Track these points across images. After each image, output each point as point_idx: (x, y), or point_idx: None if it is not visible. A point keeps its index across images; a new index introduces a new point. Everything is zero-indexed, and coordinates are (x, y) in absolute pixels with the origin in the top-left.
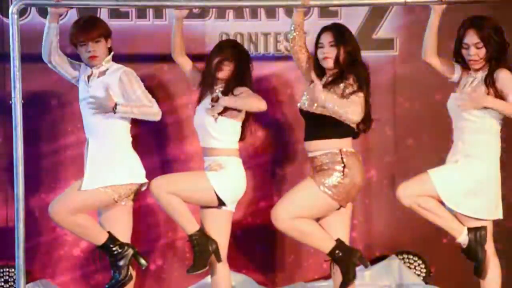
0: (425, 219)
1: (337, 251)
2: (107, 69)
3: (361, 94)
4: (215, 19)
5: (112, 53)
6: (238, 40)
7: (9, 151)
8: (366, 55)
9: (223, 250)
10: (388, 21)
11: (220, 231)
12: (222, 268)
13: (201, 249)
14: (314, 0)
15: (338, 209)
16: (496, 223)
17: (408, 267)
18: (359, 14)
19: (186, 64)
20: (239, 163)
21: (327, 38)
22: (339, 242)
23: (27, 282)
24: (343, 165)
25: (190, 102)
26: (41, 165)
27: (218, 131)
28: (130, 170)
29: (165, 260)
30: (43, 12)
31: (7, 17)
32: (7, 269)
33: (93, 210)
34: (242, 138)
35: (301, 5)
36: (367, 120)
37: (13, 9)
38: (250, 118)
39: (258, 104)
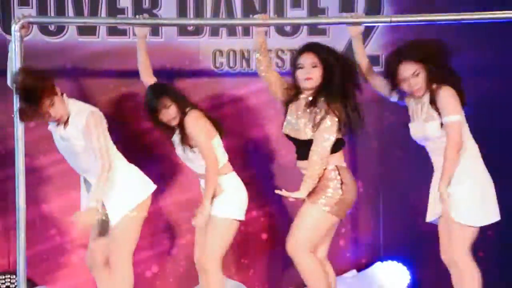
0: (409, 228)
1: None
2: (69, 115)
3: (329, 117)
4: (209, 36)
5: (64, 96)
6: (231, 56)
7: (11, 162)
8: None
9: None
10: (374, 39)
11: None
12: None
13: None
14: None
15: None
16: (478, 230)
17: (393, 274)
18: (347, 32)
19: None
20: (234, 177)
21: (308, 59)
22: None
23: None
24: (341, 182)
25: None
26: (42, 175)
27: (200, 160)
28: (139, 186)
29: (161, 267)
30: (44, 29)
31: (10, 33)
32: (9, 276)
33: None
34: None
35: (260, 23)
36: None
37: (15, 26)
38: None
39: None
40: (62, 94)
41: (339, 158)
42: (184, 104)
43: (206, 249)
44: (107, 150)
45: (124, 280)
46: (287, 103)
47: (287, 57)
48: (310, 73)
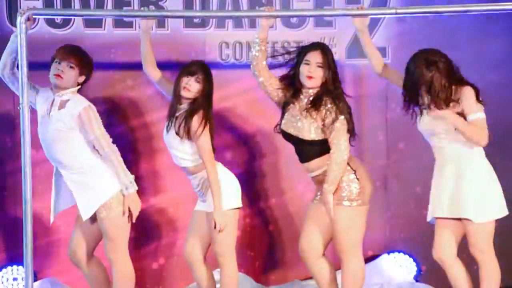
0: (415, 220)
1: None
2: (69, 100)
3: (342, 118)
4: (215, 28)
5: (78, 87)
6: (237, 48)
7: (17, 155)
8: (360, 63)
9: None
10: (380, 30)
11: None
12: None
13: None
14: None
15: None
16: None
17: (400, 266)
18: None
19: (156, 76)
20: (219, 169)
21: (315, 58)
22: None
23: (34, 280)
24: (353, 171)
25: None
26: (48, 168)
27: (188, 153)
28: (110, 179)
29: (167, 259)
30: (50, 21)
31: (16, 26)
32: (16, 267)
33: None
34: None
35: (266, 15)
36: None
37: (21, 19)
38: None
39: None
40: (81, 84)
41: None
42: (207, 102)
43: (218, 245)
44: (107, 138)
45: (125, 275)
46: (284, 104)
47: (293, 49)
48: (313, 72)
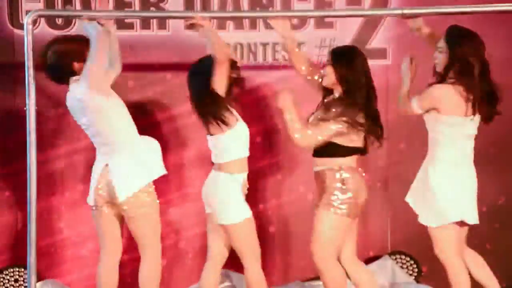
0: (416, 220)
1: None
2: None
3: (327, 123)
4: (216, 29)
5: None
6: (238, 50)
7: (19, 156)
8: None
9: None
10: (381, 32)
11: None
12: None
13: None
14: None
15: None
16: (484, 224)
17: (401, 267)
18: (354, 25)
19: None
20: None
21: (326, 57)
22: None
23: (36, 281)
24: (347, 183)
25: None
26: (52, 168)
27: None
28: (149, 167)
29: (169, 260)
30: (51, 23)
31: (18, 28)
32: (17, 269)
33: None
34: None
35: (268, 16)
36: (376, 131)
37: (27, 20)
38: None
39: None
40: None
41: (349, 160)
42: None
43: (243, 257)
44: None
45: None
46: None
47: None
48: (324, 71)
